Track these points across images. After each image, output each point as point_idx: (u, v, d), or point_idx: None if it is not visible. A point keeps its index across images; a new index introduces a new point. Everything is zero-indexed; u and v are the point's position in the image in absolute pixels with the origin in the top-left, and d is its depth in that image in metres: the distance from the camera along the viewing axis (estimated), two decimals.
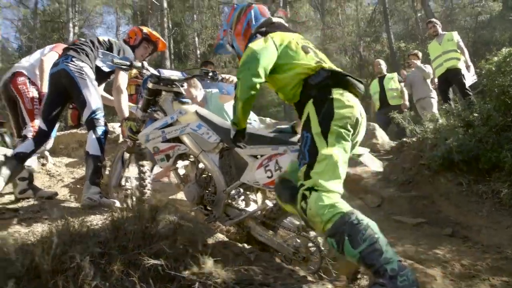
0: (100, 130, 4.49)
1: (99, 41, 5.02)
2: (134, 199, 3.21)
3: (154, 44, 5.42)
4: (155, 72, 4.15)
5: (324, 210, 2.61)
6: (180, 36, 26.80)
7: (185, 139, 3.91)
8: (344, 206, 2.63)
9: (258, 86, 3.04)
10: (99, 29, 34.45)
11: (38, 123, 5.13)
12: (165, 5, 22.30)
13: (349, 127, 2.87)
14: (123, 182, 4.82)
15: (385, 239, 2.52)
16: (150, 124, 4.22)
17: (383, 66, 11.36)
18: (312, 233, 3.49)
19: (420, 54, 11.08)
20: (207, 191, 3.85)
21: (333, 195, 2.70)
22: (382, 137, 9.18)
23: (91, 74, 4.64)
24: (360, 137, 3.17)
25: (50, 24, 26.58)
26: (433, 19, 11.02)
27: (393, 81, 10.79)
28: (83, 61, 4.64)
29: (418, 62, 10.64)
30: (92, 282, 2.40)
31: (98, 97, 4.62)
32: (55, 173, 6.68)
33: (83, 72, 4.55)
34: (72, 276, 2.44)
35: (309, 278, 2.84)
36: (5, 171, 4.31)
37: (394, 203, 6.37)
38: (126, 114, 4.83)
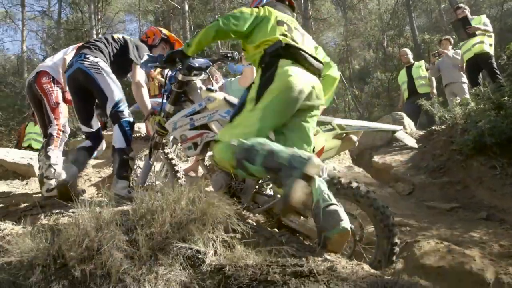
0: (125, 122, 4.42)
1: (113, 38, 4.99)
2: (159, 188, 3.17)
3: (171, 45, 5.36)
4: (192, 64, 4.01)
5: (222, 154, 3.06)
6: None
7: (214, 125, 3.84)
8: (235, 141, 2.95)
9: (220, 32, 3.37)
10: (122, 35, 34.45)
11: (63, 121, 5.13)
12: (186, 8, 22.42)
13: (283, 96, 3.11)
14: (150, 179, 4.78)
15: (280, 146, 2.88)
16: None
17: (410, 55, 11.17)
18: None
19: (452, 40, 10.87)
20: (235, 179, 3.74)
21: (229, 139, 3.02)
22: (410, 126, 9.03)
23: (107, 68, 4.57)
24: (308, 109, 3.33)
25: (74, 33, 26.76)
26: (461, 4, 10.81)
27: (421, 70, 10.60)
28: (97, 56, 4.60)
29: (450, 50, 10.44)
30: (120, 267, 2.35)
31: (118, 89, 4.54)
32: (81, 174, 6.69)
33: (98, 67, 4.48)
34: (99, 263, 2.39)
35: (343, 259, 2.74)
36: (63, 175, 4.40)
37: (426, 189, 6.24)
38: (149, 106, 4.78)
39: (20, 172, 6.45)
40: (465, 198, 5.79)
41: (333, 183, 3.45)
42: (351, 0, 31.14)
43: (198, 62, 4.08)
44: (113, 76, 4.57)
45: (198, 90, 4.12)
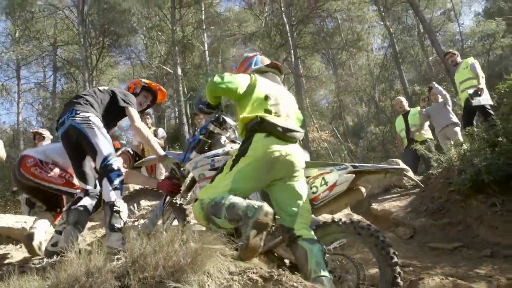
0: (114, 175, 4.38)
1: (100, 90, 4.99)
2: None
3: (153, 93, 5.39)
4: (224, 117, 4.33)
5: (197, 211, 3.36)
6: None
7: None
8: (206, 198, 3.32)
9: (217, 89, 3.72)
10: None
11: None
12: (179, 72, 22.76)
13: (255, 165, 3.44)
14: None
15: (239, 199, 3.19)
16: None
17: (405, 103, 11.23)
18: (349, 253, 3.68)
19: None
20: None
21: (205, 199, 3.35)
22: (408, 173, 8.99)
23: (97, 122, 4.54)
24: (289, 173, 3.59)
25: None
26: (451, 50, 11.00)
27: (416, 117, 10.62)
28: (88, 111, 4.59)
29: (439, 98, 10.50)
30: None
31: (108, 143, 4.50)
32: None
33: (90, 122, 4.46)
34: None
35: None
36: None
37: (427, 232, 6.16)
38: (158, 147, 4.75)
39: (14, 237, 6.34)
40: (468, 238, 5.70)
41: (335, 222, 3.56)
42: (341, 58, 31.66)
43: (228, 119, 4.40)
44: (104, 130, 4.55)
45: (223, 143, 4.40)
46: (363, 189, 3.88)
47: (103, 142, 4.47)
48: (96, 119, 4.55)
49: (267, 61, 4.29)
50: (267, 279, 2.70)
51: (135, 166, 6.17)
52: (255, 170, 3.46)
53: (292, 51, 22.37)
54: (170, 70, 24.06)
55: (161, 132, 10.38)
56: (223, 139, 4.46)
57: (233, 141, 4.41)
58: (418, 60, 31.21)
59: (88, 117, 4.51)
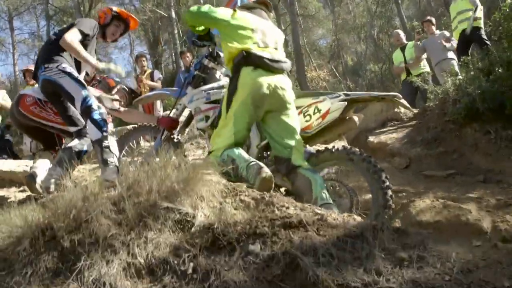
0: (95, 114, 4.38)
1: (62, 29, 4.91)
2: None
3: (125, 22, 5.25)
4: (218, 52, 4.43)
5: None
6: None
7: None
8: (216, 154, 3.56)
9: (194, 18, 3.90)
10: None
11: None
12: (173, 15, 22.48)
13: (248, 100, 3.55)
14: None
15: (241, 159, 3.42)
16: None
17: (403, 36, 11.11)
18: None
19: (434, 20, 10.79)
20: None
21: (214, 154, 3.58)
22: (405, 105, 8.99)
23: (67, 69, 4.51)
24: (278, 105, 3.69)
25: None
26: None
27: (413, 50, 10.53)
28: (56, 62, 4.57)
29: (434, 30, 10.40)
30: (108, 233, 2.34)
31: (82, 87, 4.47)
32: (78, 177, 6.66)
33: (59, 72, 4.47)
34: (87, 232, 2.38)
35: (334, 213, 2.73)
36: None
37: (422, 161, 6.22)
38: (93, 61, 4.68)
39: (17, 180, 6.44)
40: (462, 166, 5.78)
41: (328, 149, 3.62)
42: None
43: (222, 53, 4.38)
44: (75, 74, 4.55)
45: (217, 77, 4.49)
46: (356, 118, 3.94)
47: (77, 86, 4.48)
48: (65, 66, 4.56)
49: None
50: (258, 200, 2.77)
51: (132, 104, 6.20)
52: (249, 106, 3.57)
53: None
54: (164, 14, 23.72)
55: (157, 74, 10.35)
56: (218, 73, 4.53)
57: (228, 75, 4.33)
58: None
59: (57, 66, 4.51)
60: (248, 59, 3.58)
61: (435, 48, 10.00)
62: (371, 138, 7.76)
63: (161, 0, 24.67)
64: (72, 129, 4.69)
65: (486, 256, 2.08)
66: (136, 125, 5.14)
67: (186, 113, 4.88)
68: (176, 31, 22.72)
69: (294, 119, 3.69)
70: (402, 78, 10.78)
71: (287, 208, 2.64)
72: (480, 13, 9.06)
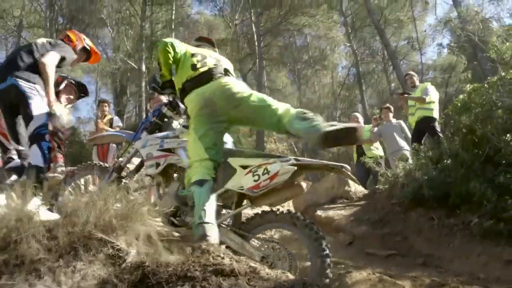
0: (45, 144, 4.29)
1: (38, 45, 4.79)
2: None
3: (89, 54, 5.29)
4: (178, 102, 4.42)
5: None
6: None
7: (180, 151, 4.13)
8: (193, 178, 3.50)
9: (169, 47, 3.83)
10: None
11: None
12: (143, 69, 22.71)
13: (198, 117, 3.69)
14: None
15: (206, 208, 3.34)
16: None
17: (360, 119, 11.43)
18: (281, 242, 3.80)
19: (392, 108, 11.16)
20: (185, 205, 3.95)
21: (190, 169, 3.61)
22: (355, 185, 9.10)
23: (41, 91, 4.45)
24: (234, 98, 3.73)
25: None
26: (411, 72, 11.27)
27: (367, 134, 10.80)
28: (31, 79, 4.45)
29: (391, 118, 10.74)
30: (36, 257, 2.27)
31: (46, 115, 4.43)
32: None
33: (34, 88, 4.42)
34: (15, 254, 2.31)
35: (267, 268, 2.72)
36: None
37: (366, 240, 6.28)
38: (52, 97, 4.55)
39: None
40: (404, 248, 5.86)
41: (273, 211, 3.64)
42: (306, 74, 32.04)
43: (181, 104, 4.41)
44: (45, 99, 4.50)
45: (174, 127, 4.55)
46: (303, 185, 3.98)
47: (42, 113, 4.42)
48: (40, 88, 4.50)
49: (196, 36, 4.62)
50: (195, 247, 2.74)
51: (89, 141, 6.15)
52: (204, 118, 3.68)
53: (258, 60, 22.50)
54: (135, 66, 23.92)
55: (117, 121, 10.31)
56: (175, 123, 4.60)
57: (185, 127, 4.36)
58: (381, 86, 31.84)
59: (34, 83, 4.46)
60: (186, 89, 3.79)
61: (390, 136, 10.28)
62: (319, 212, 7.83)
63: (134, 53, 24.91)
64: (14, 146, 4.61)
65: None
66: (84, 164, 5.05)
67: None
68: (143, 84, 22.86)
69: (257, 96, 3.75)
70: (355, 160, 11.00)
71: (222, 258, 2.61)
72: (433, 105, 9.41)
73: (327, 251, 3.47)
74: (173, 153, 4.18)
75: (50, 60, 4.50)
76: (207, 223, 3.25)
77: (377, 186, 8.41)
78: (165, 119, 4.50)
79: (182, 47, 3.92)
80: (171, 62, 3.91)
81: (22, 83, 4.40)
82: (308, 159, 4.15)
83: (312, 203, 8.60)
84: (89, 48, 5.20)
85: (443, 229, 5.80)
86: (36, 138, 4.33)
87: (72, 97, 5.97)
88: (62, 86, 5.91)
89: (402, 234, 6.21)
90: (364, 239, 6.35)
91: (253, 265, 2.59)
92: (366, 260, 5.37)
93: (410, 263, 5.24)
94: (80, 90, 6.09)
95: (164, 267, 2.36)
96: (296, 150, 27.73)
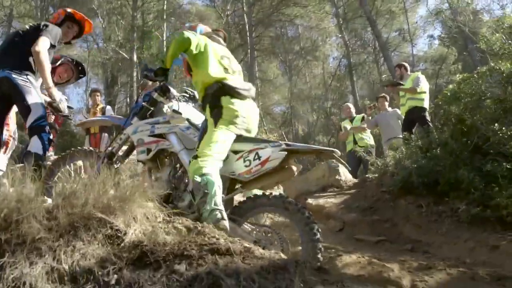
0: (45, 135, 4.31)
1: (25, 32, 4.74)
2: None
3: (78, 24, 5.15)
4: (168, 87, 4.51)
5: (193, 171, 3.60)
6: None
7: (171, 136, 4.24)
8: (205, 169, 3.57)
9: (185, 43, 3.98)
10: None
11: (13, 128, 5.03)
12: (135, 59, 22.66)
13: (232, 123, 3.88)
14: None
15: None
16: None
17: (352, 109, 11.55)
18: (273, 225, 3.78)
19: (388, 97, 11.23)
20: (176, 190, 4.11)
21: (203, 159, 3.64)
22: (345, 174, 9.21)
23: (34, 82, 4.49)
24: (252, 126, 4.14)
25: None
26: (402, 62, 11.34)
27: (359, 122, 10.90)
28: (23, 70, 4.47)
29: (387, 107, 10.84)
30: (37, 235, 2.34)
31: (42, 106, 4.39)
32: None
33: (27, 80, 4.44)
34: (16, 233, 2.37)
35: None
36: None
37: (356, 226, 6.39)
38: (50, 83, 4.52)
39: None
40: (393, 234, 5.96)
41: (265, 195, 3.71)
42: (297, 65, 32.06)
43: (172, 89, 4.59)
44: (38, 90, 4.52)
45: (164, 111, 4.51)
46: (294, 168, 4.04)
47: (38, 103, 4.44)
48: (33, 78, 4.51)
49: (209, 28, 4.77)
50: (191, 229, 2.82)
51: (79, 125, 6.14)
52: (235, 128, 3.90)
53: (249, 50, 22.51)
54: (126, 56, 23.87)
55: (110, 110, 10.39)
56: (165, 108, 4.56)
57: (175, 111, 4.46)
58: (372, 77, 31.94)
59: (27, 75, 4.45)
60: (224, 89, 3.94)
61: (387, 124, 10.40)
62: (310, 200, 7.93)
63: (125, 43, 24.85)
64: None
65: None
66: (74, 149, 5.06)
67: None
68: (135, 74, 22.82)
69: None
70: (347, 149, 11.08)
71: (217, 239, 2.69)
72: (423, 95, 9.50)
73: (318, 236, 3.57)
74: (164, 138, 4.25)
75: (41, 47, 4.44)
76: (221, 209, 3.41)
77: (367, 175, 8.52)
78: (156, 104, 4.52)
79: (201, 42, 4.07)
80: (179, 55, 4.21)
81: (15, 76, 4.39)
82: (298, 143, 4.22)
83: (303, 191, 8.70)
84: (72, 14, 5.08)
85: (431, 216, 5.91)
86: (36, 129, 4.36)
87: (68, 75, 5.91)
88: (58, 63, 5.88)
89: (391, 221, 6.33)
90: (354, 225, 6.46)
91: (247, 245, 2.67)
92: (356, 245, 5.47)
93: (398, 249, 5.35)
94: (78, 70, 6.04)
95: (161, 246, 2.44)
96: (286, 140, 27.81)
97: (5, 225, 2.41)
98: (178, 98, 4.61)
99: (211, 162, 3.64)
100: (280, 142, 3.94)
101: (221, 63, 4.12)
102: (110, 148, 4.70)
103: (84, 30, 5.25)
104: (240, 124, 3.94)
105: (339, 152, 3.97)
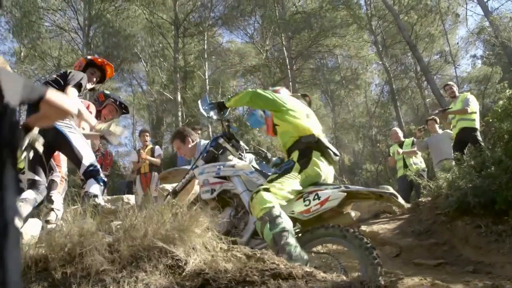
0: (101, 179, 4.50)
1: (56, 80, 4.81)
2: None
3: (100, 69, 5.29)
4: (234, 132, 4.76)
5: (259, 203, 3.62)
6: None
7: (235, 179, 4.34)
8: (275, 205, 3.62)
9: (251, 99, 4.19)
10: None
11: (65, 170, 5.12)
12: (179, 99, 23.06)
13: (311, 177, 3.95)
14: None
15: (293, 238, 3.50)
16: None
17: (400, 133, 11.39)
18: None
19: (438, 120, 11.07)
20: (235, 229, 4.24)
21: (274, 196, 3.70)
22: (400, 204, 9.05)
23: (77, 127, 4.65)
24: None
25: None
26: (450, 82, 11.22)
27: (410, 147, 10.75)
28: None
29: (437, 128, 10.70)
30: (101, 267, 2.38)
31: (91, 150, 4.64)
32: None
33: (71, 126, 4.55)
34: (80, 266, 2.42)
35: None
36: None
37: (413, 251, 6.24)
38: (94, 121, 4.75)
39: None
40: (452, 257, 5.79)
41: (323, 225, 3.71)
42: (339, 94, 32.06)
43: (241, 142, 4.85)
44: (82, 135, 4.64)
45: (229, 158, 4.66)
46: (352, 214, 4.12)
47: (87, 149, 4.57)
48: (72, 122, 4.60)
49: (289, 92, 4.90)
50: (250, 256, 2.82)
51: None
52: (305, 183, 3.94)
53: (290, 83, 22.64)
54: (170, 97, 24.34)
55: (158, 150, 10.63)
56: (230, 156, 4.71)
57: (240, 159, 4.68)
58: (415, 102, 31.64)
59: (69, 121, 4.53)
60: (318, 144, 4.04)
61: (438, 146, 10.26)
62: (363, 227, 7.81)
63: (168, 84, 25.37)
64: (30, 175, 4.54)
65: None
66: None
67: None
68: (180, 114, 23.21)
69: None
70: (398, 175, 10.93)
71: (278, 264, 2.69)
72: (474, 115, 9.36)
73: (378, 260, 3.51)
74: (228, 180, 4.37)
75: (72, 97, 4.50)
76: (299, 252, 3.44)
77: (420, 199, 8.37)
78: (221, 150, 4.65)
79: (285, 100, 4.19)
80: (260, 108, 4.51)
81: (59, 123, 4.44)
82: (357, 186, 4.23)
83: (356, 220, 8.59)
84: (93, 60, 5.24)
85: (491, 236, 5.73)
86: (91, 174, 4.48)
87: (111, 116, 6.06)
88: (103, 106, 6.05)
89: (449, 243, 6.16)
90: (410, 250, 6.30)
91: (308, 270, 2.65)
92: (415, 269, 5.34)
93: (460, 271, 5.19)
94: (121, 108, 6.20)
95: (223, 273, 2.45)
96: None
97: (70, 259, 2.47)
98: (251, 158, 4.79)
99: (276, 201, 3.70)
100: (340, 184, 4.02)
101: (307, 121, 4.21)
102: (175, 186, 4.82)
103: (106, 74, 5.42)
104: (311, 180, 3.99)
105: (397, 195, 3.96)
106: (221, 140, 4.64)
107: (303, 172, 3.91)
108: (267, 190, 3.74)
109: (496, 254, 5.42)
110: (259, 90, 4.24)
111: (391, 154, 11.39)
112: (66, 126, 4.50)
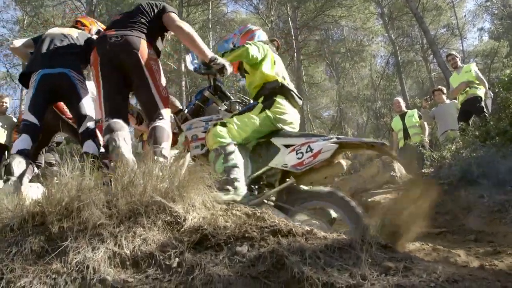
0: (98, 142, 4.50)
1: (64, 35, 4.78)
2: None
3: None
4: (220, 85, 4.62)
5: (214, 137, 3.81)
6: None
7: None
8: (230, 142, 3.80)
9: (248, 55, 4.12)
10: None
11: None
12: (183, 69, 22.87)
13: (277, 120, 4.05)
14: None
15: (243, 177, 3.71)
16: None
17: (402, 103, 11.24)
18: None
19: (444, 90, 10.94)
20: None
21: (229, 131, 3.86)
22: (400, 170, 9.04)
23: (92, 89, 4.61)
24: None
25: None
26: (453, 52, 11.09)
27: (413, 118, 10.61)
28: (82, 75, 4.60)
29: (445, 99, 10.58)
30: (98, 221, 2.35)
31: (95, 113, 4.64)
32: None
33: (84, 85, 4.59)
34: (77, 221, 2.39)
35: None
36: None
37: None
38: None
39: None
40: (455, 226, 5.76)
41: (317, 191, 3.70)
42: (344, 66, 31.83)
43: (227, 92, 4.73)
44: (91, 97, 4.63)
45: (217, 111, 4.60)
46: (343, 163, 4.07)
47: (92, 110, 4.59)
48: (88, 85, 4.65)
49: (266, 36, 4.88)
50: (249, 215, 2.79)
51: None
52: (268, 127, 4.06)
53: (295, 54, 22.46)
54: (174, 66, 24.18)
55: None
56: (217, 108, 4.64)
57: (227, 110, 4.56)
58: (420, 76, 31.42)
59: (84, 78, 4.60)
60: (282, 90, 4.15)
61: (444, 117, 10.15)
62: (365, 198, 7.80)
63: (173, 53, 25.18)
64: (30, 117, 4.41)
65: (472, 273, 2.08)
66: None
67: None
68: (183, 84, 23.11)
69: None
70: (399, 145, 10.84)
71: (278, 223, 2.65)
72: (481, 86, 9.26)
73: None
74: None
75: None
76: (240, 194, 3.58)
77: (423, 170, 8.32)
78: (207, 103, 4.61)
79: (264, 51, 4.25)
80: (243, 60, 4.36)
81: (77, 76, 4.50)
82: (348, 137, 4.23)
83: (359, 189, 8.59)
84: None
85: (494, 206, 5.69)
86: (90, 134, 4.45)
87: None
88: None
89: (452, 213, 6.12)
90: None
91: (308, 228, 2.61)
92: (417, 237, 5.31)
93: (461, 239, 5.15)
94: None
95: (222, 230, 2.42)
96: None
97: (67, 213, 2.44)
98: (233, 102, 4.66)
99: (229, 138, 3.85)
100: (331, 136, 3.97)
101: (275, 68, 4.27)
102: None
103: None
104: (283, 124, 4.11)
105: (388, 144, 3.93)
106: (206, 93, 4.58)
107: (264, 112, 4.00)
108: (223, 125, 3.91)
109: (499, 224, 5.38)
110: (253, 50, 4.14)
111: (393, 129, 11.28)
112: (81, 82, 4.53)
